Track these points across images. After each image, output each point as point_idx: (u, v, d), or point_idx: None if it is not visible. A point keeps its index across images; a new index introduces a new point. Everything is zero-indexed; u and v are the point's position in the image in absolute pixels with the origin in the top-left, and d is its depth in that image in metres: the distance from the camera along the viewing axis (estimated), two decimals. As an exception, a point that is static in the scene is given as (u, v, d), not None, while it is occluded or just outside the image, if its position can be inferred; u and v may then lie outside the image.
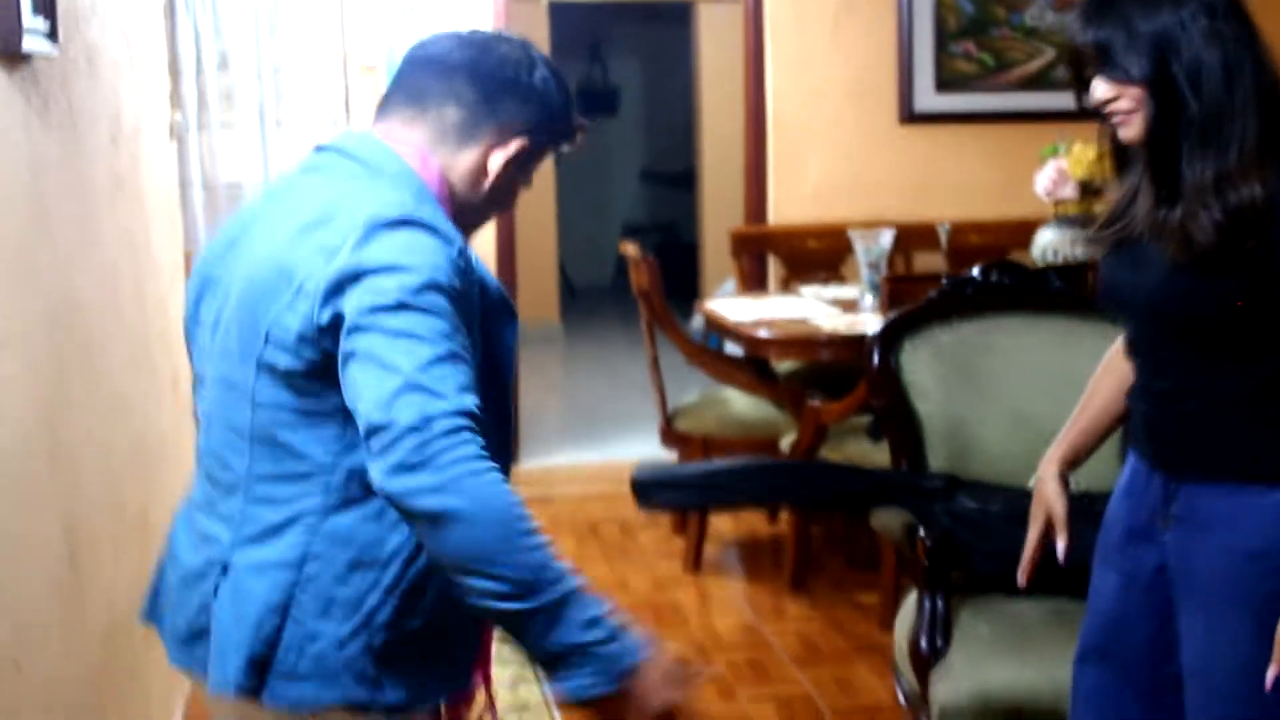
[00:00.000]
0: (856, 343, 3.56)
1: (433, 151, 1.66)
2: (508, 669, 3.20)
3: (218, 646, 1.58)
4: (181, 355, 1.78)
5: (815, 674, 3.59)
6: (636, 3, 9.30)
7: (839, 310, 4.20)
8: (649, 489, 2.59)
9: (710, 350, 4.58)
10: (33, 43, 2.05)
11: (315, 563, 1.56)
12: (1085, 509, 2.10)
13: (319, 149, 1.70)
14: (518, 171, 1.72)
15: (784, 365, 4.52)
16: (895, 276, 4.27)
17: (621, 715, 1.51)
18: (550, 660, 1.48)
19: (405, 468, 1.42)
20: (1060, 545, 2.06)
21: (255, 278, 1.57)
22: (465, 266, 1.56)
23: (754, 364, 4.34)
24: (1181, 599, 1.88)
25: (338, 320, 1.49)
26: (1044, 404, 2.69)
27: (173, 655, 1.69)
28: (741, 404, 4.45)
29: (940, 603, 2.48)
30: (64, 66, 2.35)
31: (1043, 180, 4.27)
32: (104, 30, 2.77)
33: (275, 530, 1.57)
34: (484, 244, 5.18)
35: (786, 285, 5.17)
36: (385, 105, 1.71)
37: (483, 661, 1.76)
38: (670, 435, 4.46)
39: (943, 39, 5.42)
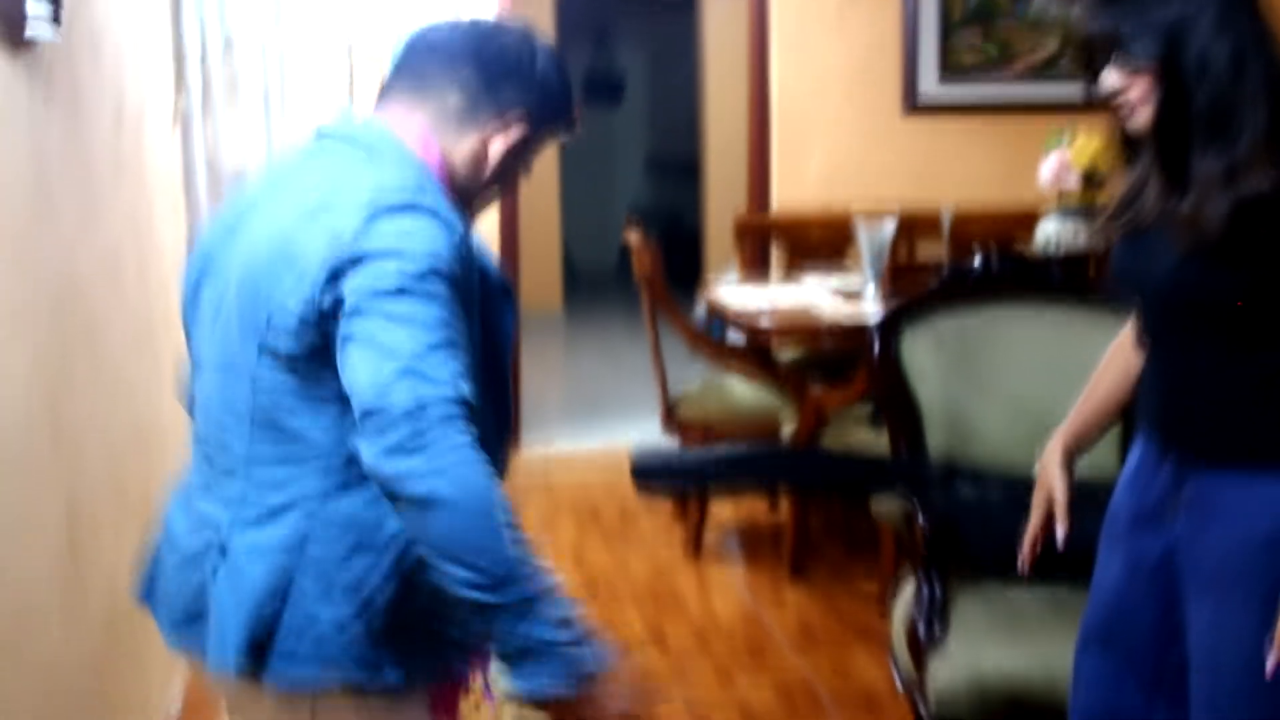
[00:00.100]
0: (858, 331, 3.58)
1: (434, 136, 1.67)
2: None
3: (217, 628, 1.59)
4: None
5: (813, 659, 3.61)
6: (642, -10, 9.31)
7: (841, 298, 4.20)
8: (648, 473, 2.60)
9: (712, 337, 4.58)
10: (36, 27, 2.06)
11: (315, 546, 1.57)
12: (1085, 497, 2.11)
13: (320, 133, 1.71)
14: (518, 158, 1.73)
15: (786, 353, 4.52)
16: (897, 265, 4.27)
17: (577, 718, 1.53)
18: (515, 654, 1.50)
19: (398, 451, 1.44)
20: (1060, 531, 2.07)
21: (257, 261, 1.58)
22: (466, 252, 1.57)
23: (755, 351, 4.35)
24: (1188, 586, 1.88)
25: (339, 303, 1.51)
26: (1043, 392, 2.69)
27: (168, 636, 1.70)
28: (742, 391, 4.46)
29: (938, 588, 2.49)
30: (67, 51, 2.36)
31: (1046, 170, 4.28)
32: (108, 14, 2.78)
33: (275, 513, 1.58)
34: (488, 230, 5.18)
35: (789, 273, 5.17)
36: (387, 90, 1.72)
37: (479, 647, 1.77)
38: (671, 422, 4.47)
39: (948, 28, 5.41)
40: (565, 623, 1.50)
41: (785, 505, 4.33)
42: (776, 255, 5.41)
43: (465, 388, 1.49)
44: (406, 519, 1.47)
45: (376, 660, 1.58)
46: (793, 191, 5.43)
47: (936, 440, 2.74)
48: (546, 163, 8.33)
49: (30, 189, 2.11)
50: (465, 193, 1.70)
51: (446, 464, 1.44)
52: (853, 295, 4.21)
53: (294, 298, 1.53)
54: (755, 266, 5.38)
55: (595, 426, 6.08)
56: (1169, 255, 1.81)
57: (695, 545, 4.40)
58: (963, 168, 5.47)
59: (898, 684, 2.66)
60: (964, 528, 2.52)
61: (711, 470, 2.68)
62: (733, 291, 4.54)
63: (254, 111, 4.08)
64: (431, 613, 1.60)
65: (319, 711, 1.62)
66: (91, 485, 2.44)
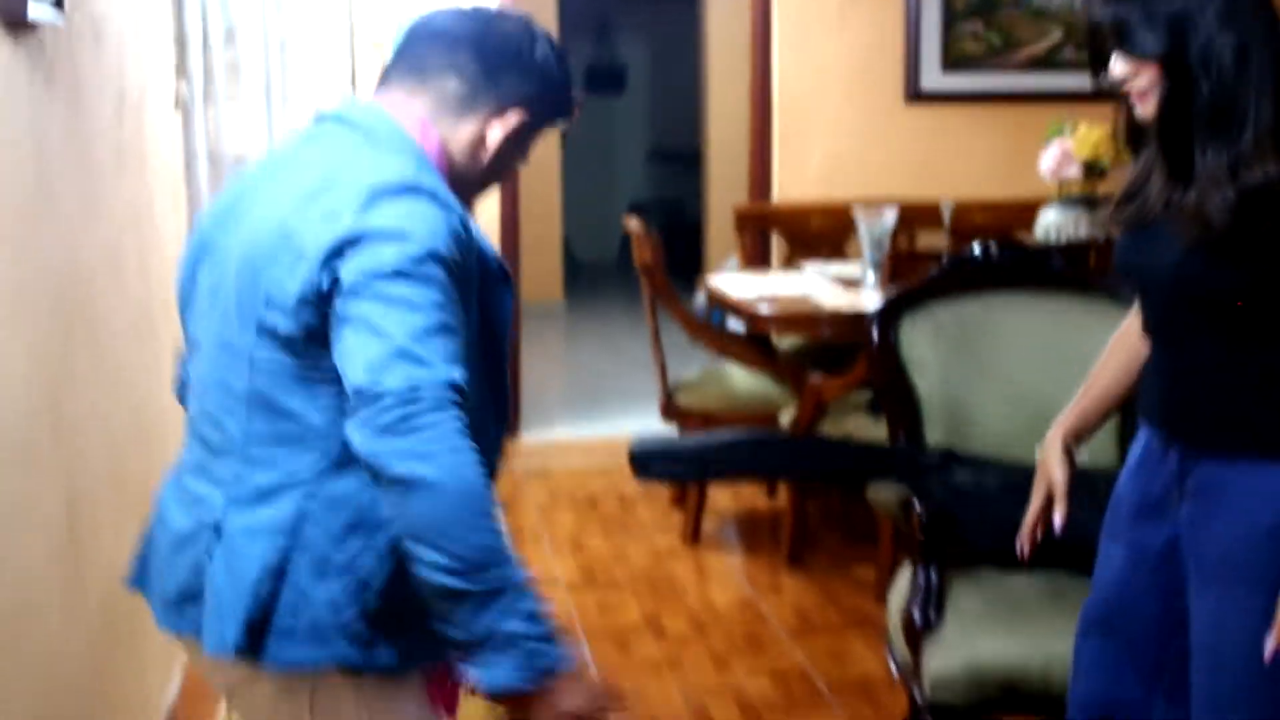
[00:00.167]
0: (858, 320, 3.58)
1: (433, 122, 1.68)
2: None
3: (214, 609, 1.60)
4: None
5: (810, 647, 3.62)
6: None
7: (841, 288, 4.21)
8: (646, 460, 2.60)
9: (712, 326, 4.59)
10: (38, 11, 2.06)
11: (311, 525, 1.58)
12: (1083, 486, 2.11)
13: (320, 118, 1.72)
14: (516, 145, 1.74)
15: (786, 342, 4.53)
16: (898, 255, 4.28)
17: (532, 715, 1.54)
18: (476, 643, 1.50)
19: (388, 431, 1.46)
20: (1058, 517, 2.07)
21: (257, 242, 1.59)
22: (465, 235, 1.58)
23: (755, 340, 4.36)
24: (1193, 575, 1.89)
25: (336, 283, 1.52)
26: (1042, 381, 2.71)
27: (161, 618, 1.70)
28: (742, 380, 4.47)
29: (934, 575, 2.50)
30: (69, 36, 2.36)
31: (1047, 160, 4.28)
32: (110, 1, 2.78)
33: (270, 493, 1.59)
34: (489, 220, 5.19)
35: (789, 262, 5.18)
36: (387, 77, 1.73)
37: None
38: (671, 410, 4.48)
39: (950, 17, 5.41)
40: (532, 617, 1.50)
41: (784, 494, 4.34)
42: (777, 246, 5.42)
43: (458, 373, 1.50)
44: (388, 499, 1.49)
45: (370, 640, 1.59)
46: (794, 182, 5.44)
47: (935, 429, 2.75)
48: (548, 153, 8.33)
49: (31, 176, 2.11)
50: (463, 179, 1.71)
51: (435, 449, 1.46)
52: (852, 284, 4.22)
53: (293, 278, 1.54)
54: (756, 257, 5.38)
55: (595, 415, 6.09)
56: (1173, 248, 1.81)
57: (693, 533, 4.42)
58: (964, 158, 5.47)
59: (894, 672, 2.67)
60: (961, 515, 2.53)
61: (710, 457, 2.69)
62: (733, 280, 4.54)
63: (256, 100, 4.08)
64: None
65: (318, 694, 1.63)
66: (91, 474, 2.44)
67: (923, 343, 2.80)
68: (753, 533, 4.61)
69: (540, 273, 8.17)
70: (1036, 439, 2.16)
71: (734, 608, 3.94)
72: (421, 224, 1.53)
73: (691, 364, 4.71)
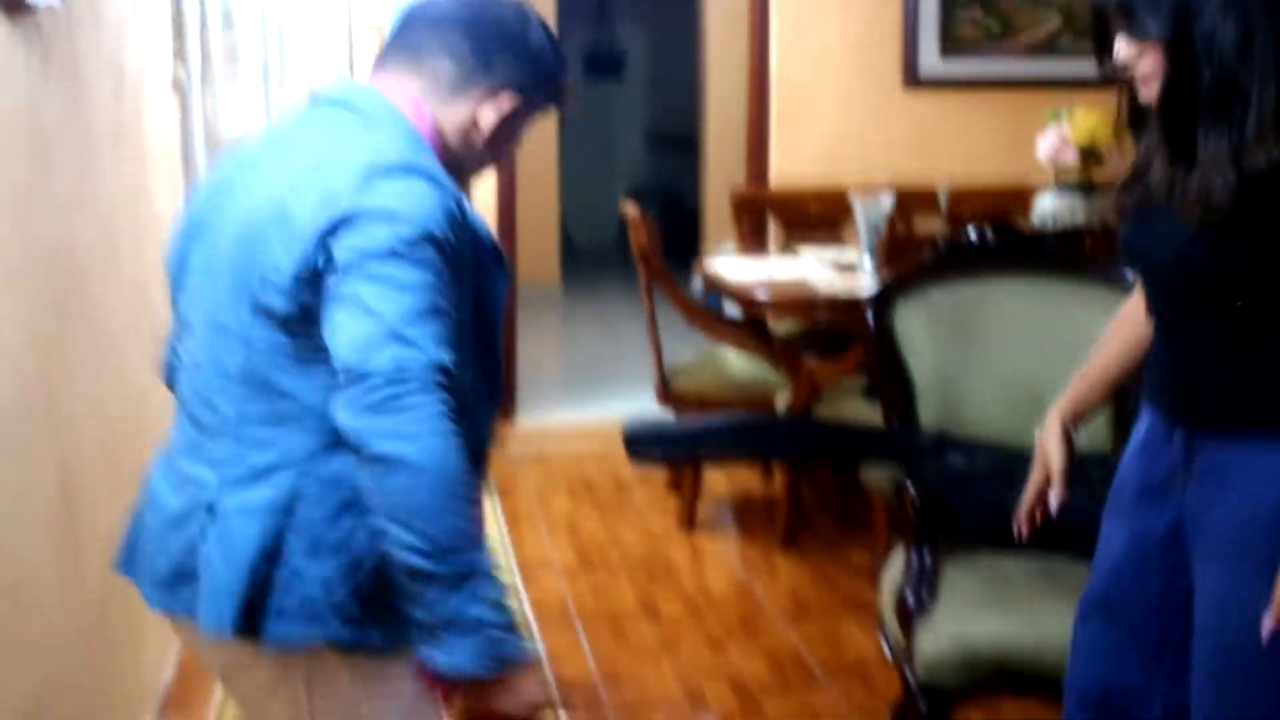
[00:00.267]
0: (854, 304, 3.58)
1: (426, 103, 1.69)
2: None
3: (209, 590, 1.60)
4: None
5: (804, 630, 3.64)
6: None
7: (837, 272, 4.22)
8: (640, 443, 2.61)
9: (708, 310, 4.60)
10: (35, -7, 2.06)
11: (305, 505, 1.59)
12: (1081, 469, 2.12)
13: (314, 99, 1.73)
14: (509, 128, 1.75)
15: (782, 326, 4.54)
16: (895, 240, 4.28)
17: (486, 703, 1.55)
18: (439, 626, 1.51)
19: (372, 410, 1.47)
20: (1054, 499, 2.07)
21: (252, 221, 1.59)
22: (460, 216, 1.59)
23: (752, 324, 4.36)
24: (1197, 556, 1.89)
25: (330, 261, 1.53)
26: (1036, 366, 2.72)
27: (152, 599, 1.70)
28: (738, 364, 4.47)
29: (927, 557, 2.51)
30: (68, 18, 2.36)
31: (1044, 146, 4.29)
32: (107, -17, 2.78)
33: (264, 472, 1.60)
34: (485, 204, 5.19)
35: (786, 247, 5.18)
36: (382, 60, 1.74)
37: None
38: (667, 394, 4.49)
39: (949, 3, 5.40)
40: (497, 605, 1.52)
41: (779, 477, 4.36)
42: (774, 230, 5.42)
43: (447, 356, 1.51)
44: (368, 476, 1.50)
45: (362, 618, 1.60)
46: (791, 166, 5.44)
47: (929, 411, 2.76)
48: (545, 137, 8.32)
49: (28, 156, 2.12)
50: (457, 161, 1.71)
51: (417, 430, 1.47)
52: (849, 269, 4.23)
53: (288, 256, 1.55)
54: (753, 241, 5.38)
55: (591, 399, 6.10)
56: (1176, 232, 1.81)
57: (688, 517, 4.43)
58: (962, 143, 5.46)
59: (887, 654, 2.68)
60: (954, 497, 2.54)
61: (705, 440, 2.70)
62: (730, 265, 4.55)
63: (253, 83, 4.08)
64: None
65: (314, 673, 1.64)
66: (86, 455, 2.44)
67: (918, 327, 2.81)
68: (748, 516, 4.62)
69: (537, 256, 8.16)
70: (1030, 422, 2.17)
71: (729, 591, 3.96)
72: (417, 204, 1.54)
73: (688, 348, 4.72)
